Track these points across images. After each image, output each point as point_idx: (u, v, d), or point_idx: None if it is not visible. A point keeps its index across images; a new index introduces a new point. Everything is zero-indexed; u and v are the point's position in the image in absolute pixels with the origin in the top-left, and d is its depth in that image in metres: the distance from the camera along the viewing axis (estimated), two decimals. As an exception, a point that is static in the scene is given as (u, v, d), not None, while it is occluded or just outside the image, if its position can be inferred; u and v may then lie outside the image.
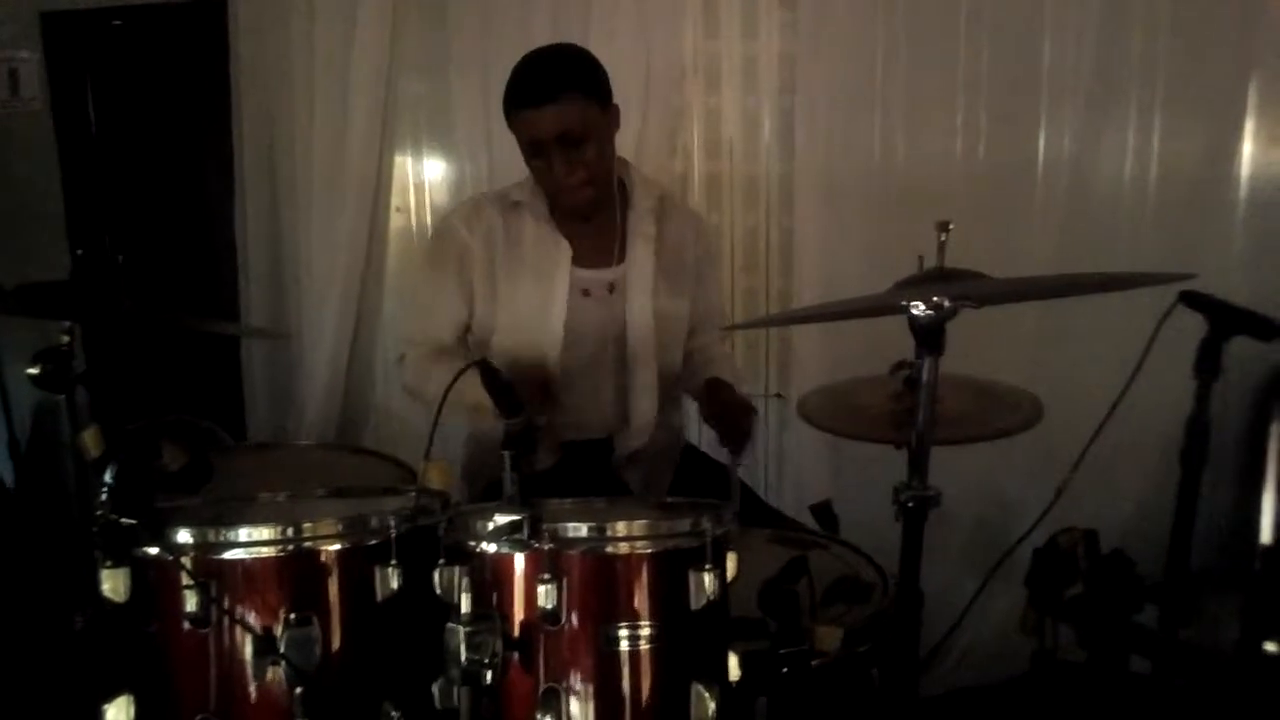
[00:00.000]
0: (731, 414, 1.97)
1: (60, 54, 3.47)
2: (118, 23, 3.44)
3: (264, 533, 1.25)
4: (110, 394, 1.56)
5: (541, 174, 1.99)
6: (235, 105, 3.10)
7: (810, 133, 2.78)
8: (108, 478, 1.24)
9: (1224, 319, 1.48)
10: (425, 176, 3.17)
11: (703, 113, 2.90)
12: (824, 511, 1.95)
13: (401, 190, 3.17)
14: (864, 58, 2.72)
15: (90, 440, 1.28)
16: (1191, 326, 1.55)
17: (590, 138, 1.92)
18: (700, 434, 2.45)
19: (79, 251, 3.48)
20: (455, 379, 1.34)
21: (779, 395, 2.97)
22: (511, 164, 2.75)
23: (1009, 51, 2.65)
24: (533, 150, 1.95)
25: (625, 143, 2.16)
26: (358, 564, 1.28)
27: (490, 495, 1.78)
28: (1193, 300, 1.50)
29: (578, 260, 2.07)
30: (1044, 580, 1.49)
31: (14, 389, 3.01)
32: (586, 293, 2.07)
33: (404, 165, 3.16)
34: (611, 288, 2.09)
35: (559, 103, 1.88)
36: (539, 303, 2.05)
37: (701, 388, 2.09)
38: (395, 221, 3.17)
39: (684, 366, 2.21)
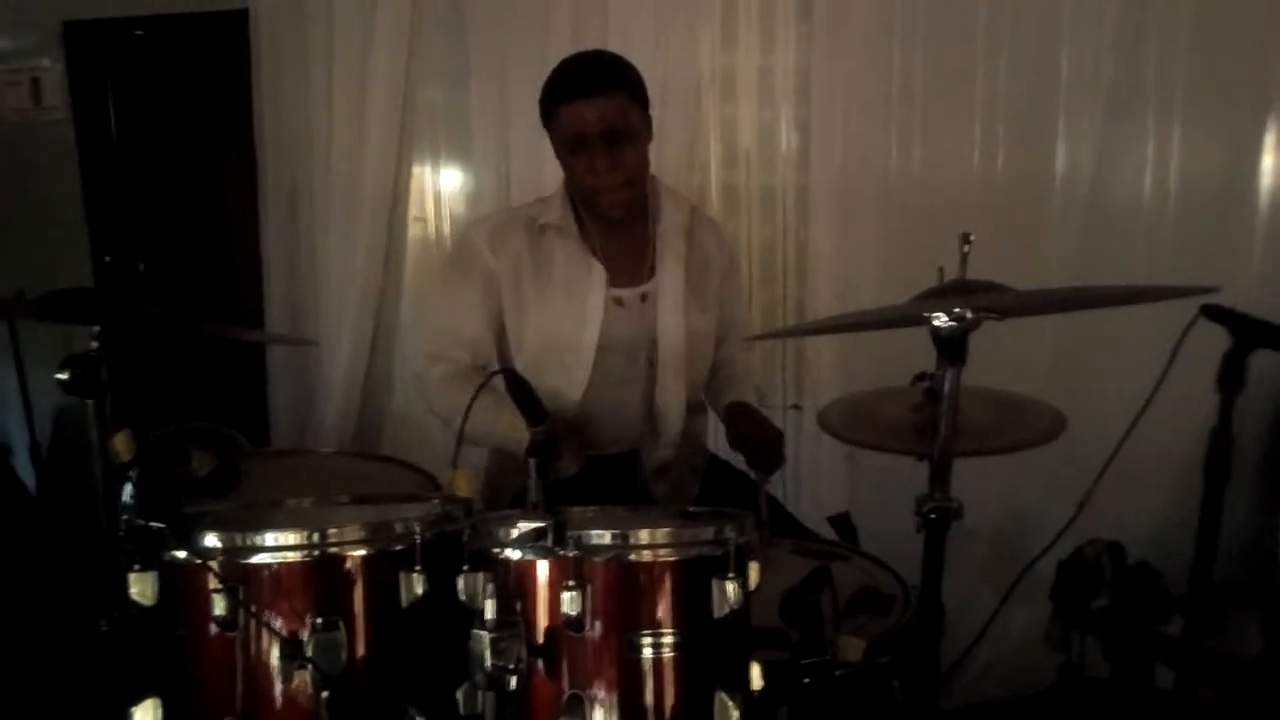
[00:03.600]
0: (759, 441, 1.97)
1: (82, 63, 3.51)
2: (139, 32, 3.47)
3: (291, 538, 1.26)
4: (137, 399, 1.58)
5: (580, 174, 1.96)
6: (256, 114, 3.13)
7: (827, 144, 2.80)
8: (135, 482, 1.26)
9: (1247, 332, 1.48)
10: (443, 186, 3.18)
11: (719, 124, 2.91)
12: (842, 523, 1.95)
13: (420, 200, 3.19)
14: (881, 70, 2.73)
15: (121, 444, 1.29)
16: (1212, 339, 1.55)
17: (632, 139, 1.94)
18: (717, 441, 2.45)
19: (107, 259, 3.51)
20: (479, 388, 1.34)
21: (796, 407, 2.97)
22: (530, 174, 2.81)
23: (1027, 63, 2.66)
24: (574, 146, 1.93)
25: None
26: (383, 569, 1.28)
27: (514, 507, 1.79)
28: (1215, 313, 1.49)
29: (611, 281, 2.05)
30: (1069, 592, 1.48)
31: (35, 395, 3.05)
32: (619, 302, 2.06)
33: (422, 175, 3.18)
34: (644, 298, 2.09)
35: (608, 96, 1.90)
36: (573, 323, 2.02)
37: (725, 412, 2.09)
38: (413, 231, 3.19)
39: (709, 379, 2.22)
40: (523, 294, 2.05)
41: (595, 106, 1.89)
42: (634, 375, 2.09)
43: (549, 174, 2.41)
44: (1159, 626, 1.48)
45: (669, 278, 2.08)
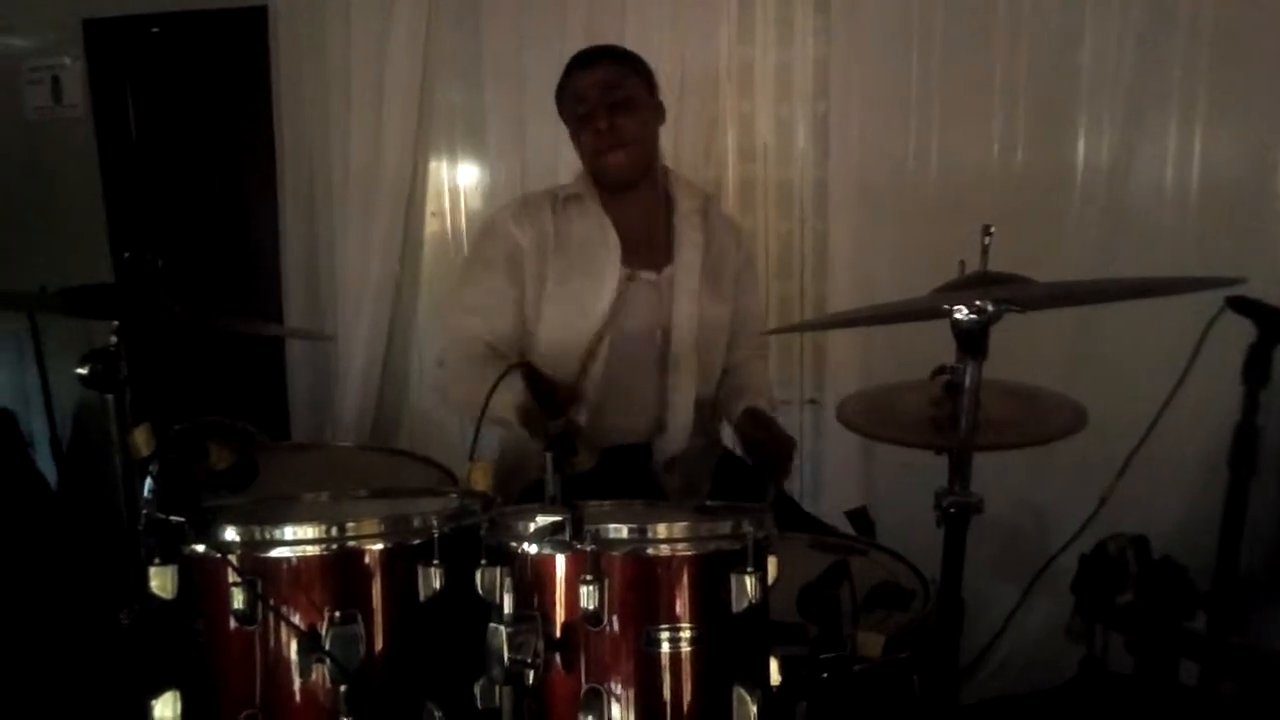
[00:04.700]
0: (772, 450, 1.99)
1: (101, 61, 3.53)
2: (157, 30, 3.49)
3: (309, 531, 1.26)
4: (156, 394, 1.58)
5: (586, 143, 2.06)
6: (275, 111, 3.14)
7: (844, 138, 2.78)
8: (154, 476, 1.26)
9: (1273, 324, 1.46)
10: (460, 182, 3.19)
11: (737, 118, 2.90)
12: (860, 517, 1.94)
13: (436, 195, 3.20)
14: (899, 63, 2.71)
15: (141, 439, 1.30)
16: (1237, 332, 1.53)
17: (635, 108, 2.04)
18: (735, 443, 2.45)
19: (126, 255, 3.53)
20: (499, 380, 1.34)
21: (813, 401, 2.96)
22: (545, 168, 2.81)
23: (1047, 56, 2.63)
24: (580, 113, 2.04)
25: (661, 148, 2.17)
26: (401, 563, 1.28)
27: (525, 499, 1.80)
28: (1241, 305, 1.48)
29: (628, 260, 2.09)
30: (1092, 587, 1.47)
31: (55, 390, 3.07)
32: (635, 279, 2.10)
33: (439, 170, 3.19)
34: (660, 283, 2.12)
35: (606, 65, 2.07)
36: (588, 296, 2.06)
37: (739, 420, 2.10)
38: (430, 226, 3.20)
39: (721, 381, 2.22)
40: (545, 267, 2.09)
41: (594, 72, 2.05)
42: (646, 362, 2.11)
43: (564, 168, 2.41)
44: (1183, 621, 1.46)
45: (685, 262, 2.11)
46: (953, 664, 1.43)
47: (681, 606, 1.23)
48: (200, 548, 1.25)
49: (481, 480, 1.36)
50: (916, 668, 1.47)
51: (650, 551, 1.23)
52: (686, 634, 1.22)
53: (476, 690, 1.24)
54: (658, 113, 2.12)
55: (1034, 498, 2.60)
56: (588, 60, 2.08)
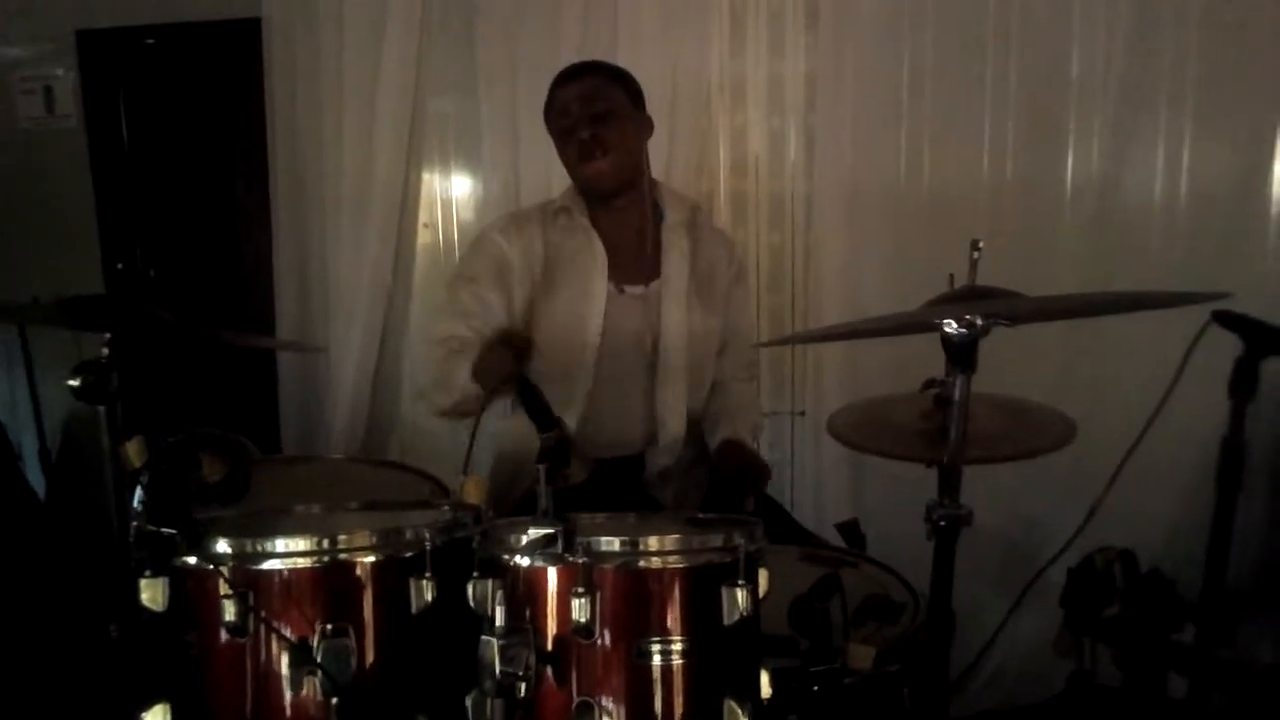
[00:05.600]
0: (744, 483, 2.04)
1: (94, 72, 3.53)
2: (150, 41, 3.49)
3: (301, 544, 1.26)
4: (147, 406, 1.58)
5: (570, 156, 2.07)
6: (268, 122, 3.14)
7: (835, 151, 2.79)
8: (146, 488, 1.26)
9: (1259, 338, 1.47)
10: (452, 193, 3.20)
11: (729, 132, 2.93)
12: (850, 529, 1.94)
13: (429, 207, 3.20)
14: (889, 75, 2.73)
15: (133, 451, 1.30)
16: (1224, 346, 1.54)
17: (616, 118, 2.05)
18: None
19: (120, 266, 3.53)
20: (486, 401, 1.34)
21: (803, 413, 2.97)
22: (539, 180, 2.81)
23: (1036, 68, 2.66)
24: (563, 126, 2.05)
25: (653, 162, 2.18)
26: (393, 576, 1.28)
27: (518, 513, 1.79)
28: (1226, 320, 1.49)
29: (615, 275, 2.09)
30: (1080, 600, 1.47)
31: (44, 402, 3.06)
32: (623, 292, 2.11)
33: (431, 182, 3.19)
34: (648, 295, 2.12)
35: (590, 79, 2.09)
36: (577, 309, 2.07)
37: (716, 453, 2.13)
38: (422, 238, 3.21)
39: (709, 398, 2.23)
40: (533, 282, 2.09)
41: (575, 86, 2.07)
42: (636, 374, 2.11)
43: (557, 180, 2.42)
44: (1171, 635, 1.46)
45: (674, 273, 2.12)
46: (943, 677, 1.43)
47: (673, 619, 1.23)
48: (191, 560, 1.24)
49: (475, 493, 1.36)
50: (907, 680, 1.47)
51: (641, 564, 1.23)
52: (677, 647, 1.22)
53: (468, 703, 1.23)
54: (643, 125, 2.13)
55: (1024, 510, 2.61)
56: (571, 75, 2.10)
